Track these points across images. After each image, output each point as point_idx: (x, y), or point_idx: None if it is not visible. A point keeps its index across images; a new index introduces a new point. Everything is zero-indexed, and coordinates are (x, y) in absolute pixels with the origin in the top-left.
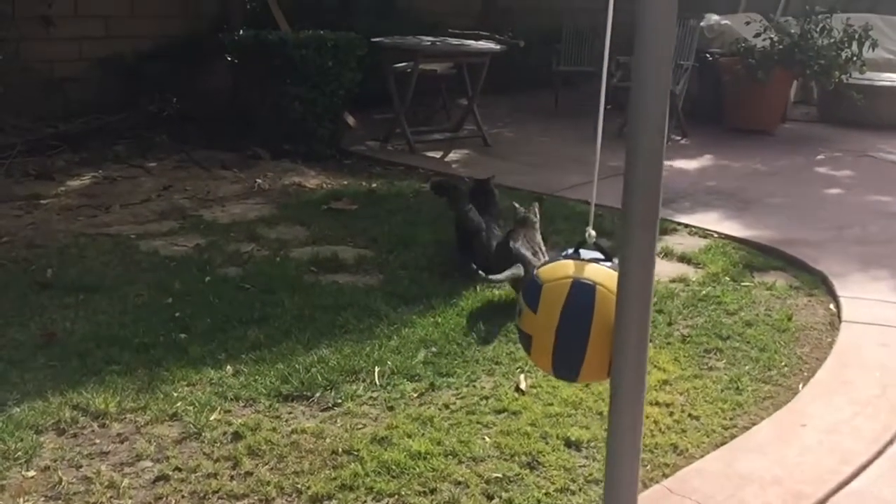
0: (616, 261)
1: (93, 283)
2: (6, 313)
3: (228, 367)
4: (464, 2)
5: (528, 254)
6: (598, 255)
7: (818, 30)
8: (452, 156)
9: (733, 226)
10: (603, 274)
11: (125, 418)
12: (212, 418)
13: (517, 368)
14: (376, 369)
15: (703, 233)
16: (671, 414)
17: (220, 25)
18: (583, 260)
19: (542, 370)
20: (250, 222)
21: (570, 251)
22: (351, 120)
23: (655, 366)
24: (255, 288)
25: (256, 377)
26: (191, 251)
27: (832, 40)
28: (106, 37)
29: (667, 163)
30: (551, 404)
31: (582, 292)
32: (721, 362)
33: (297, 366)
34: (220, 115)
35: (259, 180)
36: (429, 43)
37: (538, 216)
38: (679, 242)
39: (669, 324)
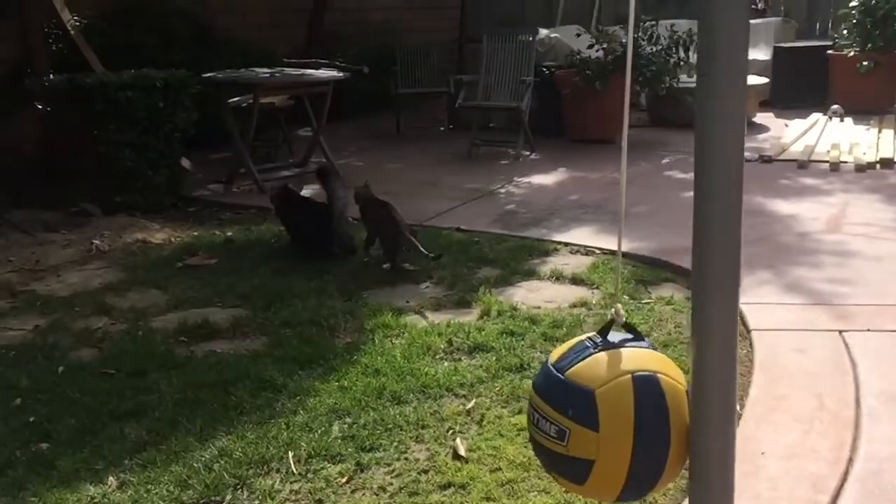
0: (648, 341)
1: None
2: None
3: (110, 478)
4: (287, 29)
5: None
6: (628, 335)
7: (646, 37)
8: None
9: (610, 239)
10: (652, 359)
11: None
12: None
13: (448, 430)
14: (290, 454)
15: (585, 250)
16: None
17: (21, 71)
18: (617, 346)
19: (600, 500)
20: (96, 292)
21: (598, 339)
22: (186, 163)
23: None
24: (121, 372)
25: (148, 486)
26: (31, 335)
27: (660, 47)
28: None
29: (524, 179)
30: (499, 469)
31: (649, 388)
32: None
33: (195, 464)
34: (34, 170)
35: (96, 241)
36: (267, 75)
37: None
38: (565, 263)
39: None
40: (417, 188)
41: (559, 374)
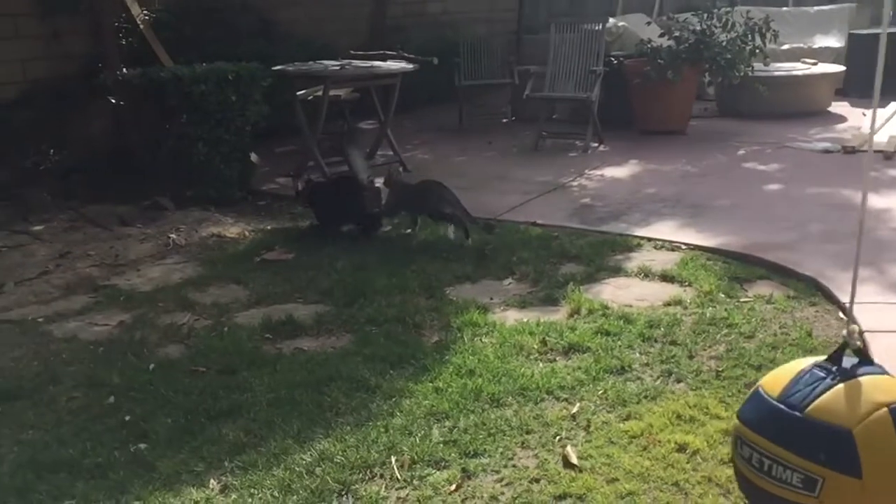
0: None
1: (9, 389)
2: None
3: (212, 481)
4: (349, 21)
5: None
6: (854, 359)
7: (721, 25)
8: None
9: (695, 234)
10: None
11: None
12: None
13: (554, 436)
14: (393, 459)
15: (670, 245)
16: None
17: (92, 66)
18: (855, 374)
19: None
20: (177, 286)
21: (833, 367)
22: (254, 157)
23: (706, 412)
24: (211, 369)
25: (252, 491)
26: (117, 331)
27: (735, 34)
28: None
29: (597, 172)
30: (616, 479)
31: None
32: None
33: (296, 468)
34: (106, 163)
35: (172, 235)
36: (338, 67)
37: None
38: (651, 259)
39: (691, 357)
40: (487, 182)
41: (794, 412)
